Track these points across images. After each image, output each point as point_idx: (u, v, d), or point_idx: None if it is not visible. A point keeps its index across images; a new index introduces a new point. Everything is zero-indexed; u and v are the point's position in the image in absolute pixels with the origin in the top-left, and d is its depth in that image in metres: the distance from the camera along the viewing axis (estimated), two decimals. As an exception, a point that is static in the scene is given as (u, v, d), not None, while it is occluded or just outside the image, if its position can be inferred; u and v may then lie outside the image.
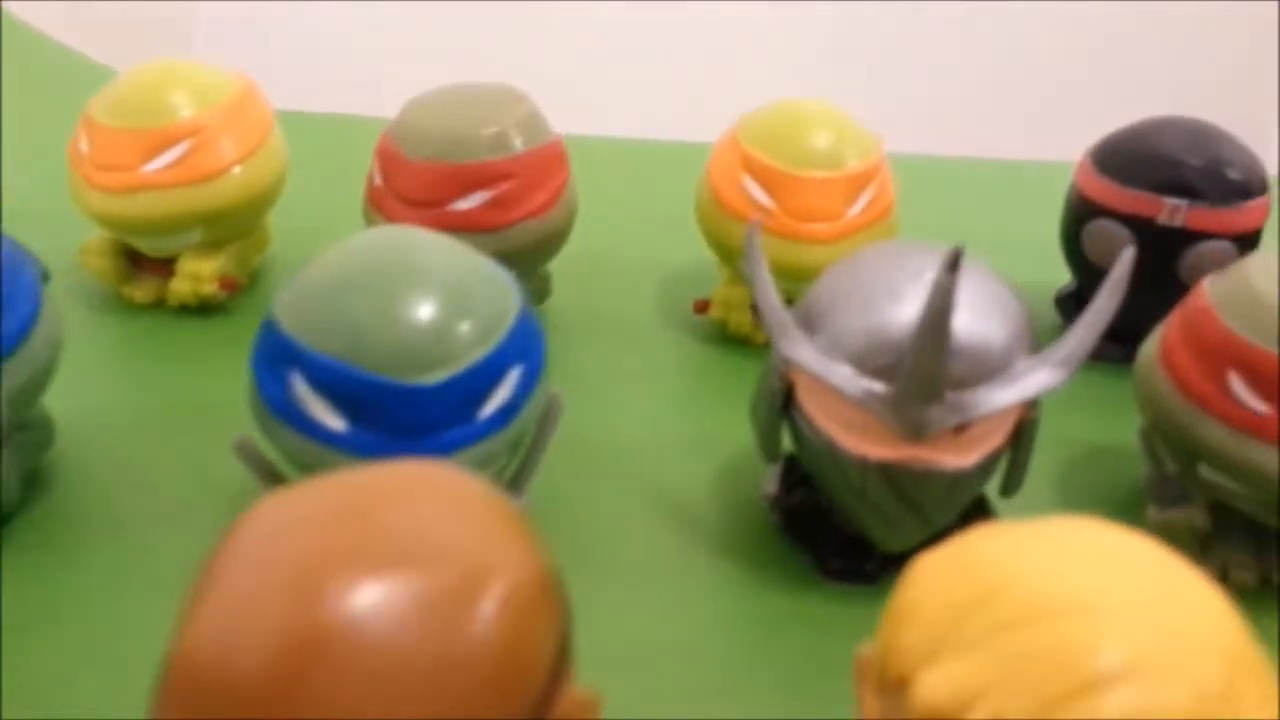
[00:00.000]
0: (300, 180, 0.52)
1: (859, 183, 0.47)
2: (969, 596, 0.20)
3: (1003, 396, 0.31)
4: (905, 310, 0.31)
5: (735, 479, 0.41)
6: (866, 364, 0.31)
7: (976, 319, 0.31)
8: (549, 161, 0.46)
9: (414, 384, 0.29)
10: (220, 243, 0.49)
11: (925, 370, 0.30)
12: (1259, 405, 0.33)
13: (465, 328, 0.30)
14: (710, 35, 1.05)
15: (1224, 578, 0.37)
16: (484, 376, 0.31)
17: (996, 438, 0.33)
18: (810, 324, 0.33)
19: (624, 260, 0.56)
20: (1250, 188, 0.46)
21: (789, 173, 0.46)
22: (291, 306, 0.30)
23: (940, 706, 0.20)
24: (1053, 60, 1.07)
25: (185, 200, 0.47)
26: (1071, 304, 0.52)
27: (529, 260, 0.47)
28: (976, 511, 0.36)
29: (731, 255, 0.48)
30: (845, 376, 0.32)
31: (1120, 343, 0.43)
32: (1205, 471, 0.36)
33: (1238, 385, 0.34)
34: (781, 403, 0.35)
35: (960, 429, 0.32)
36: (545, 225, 0.46)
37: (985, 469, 0.33)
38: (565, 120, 0.66)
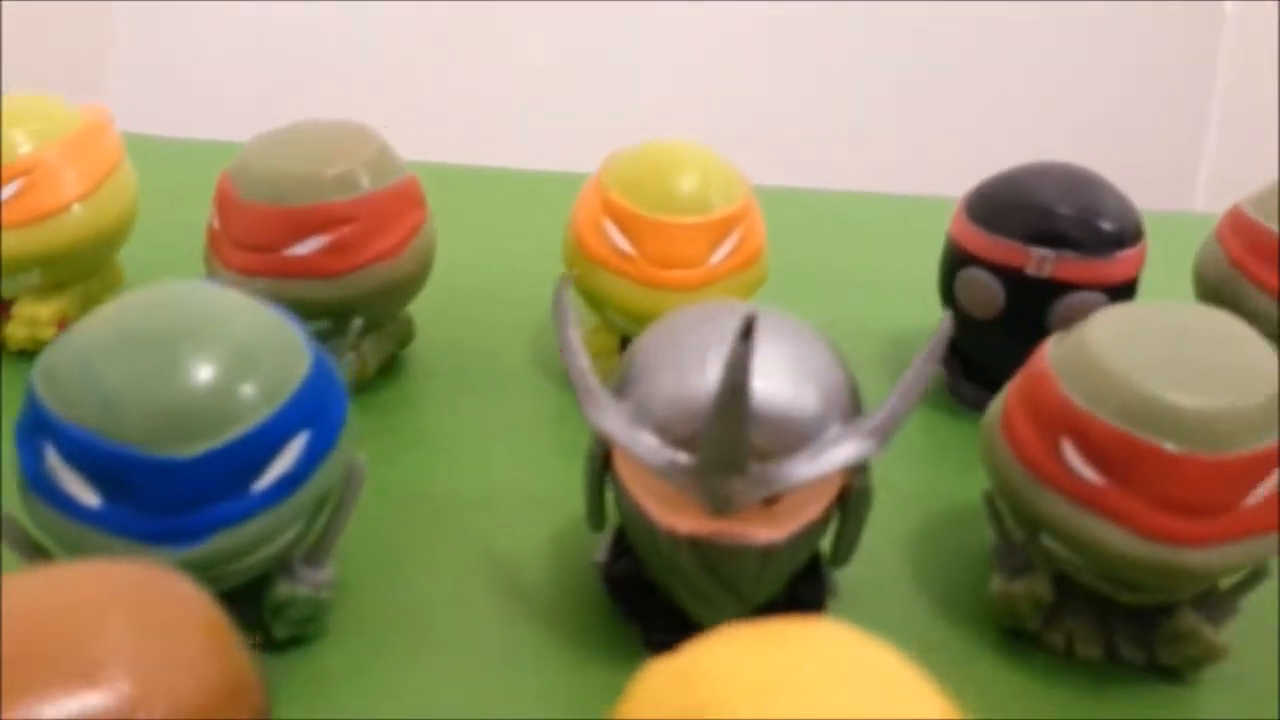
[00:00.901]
0: (184, 213, 0.50)
1: (723, 228, 0.45)
2: (679, 713, 0.18)
3: (809, 469, 0.29)
4: (709, 378, 0.29)
5: (574, 543, 0.39)
6: (670, 433, 0.30)
7: (784, 387, 0.30)
8: (399, 202, 0.44)
9: (169, 457, 0.27)
10: (62, 284, 0.47)
11: (725, 442, 0.28)
12: (1092, 476, 0.32)
13: (235, 394, 0.28)
14: (595, 65, 1.04)
15: (1069, 651, 0.35)
16: (258, 446, 0.29)
17: (813, 509, 0.31)
18: (623, 389, 0.31)
19: (498, 300, 0.54)
20: (1123, 237, 0.45)
21: (649, 217, 0.45)
22: (46, 371, 0.28)
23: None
24: (950, 92, 1.07)
25: (20, 241, 0.45)
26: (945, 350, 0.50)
27: (380, 306, 0.45)
28: (808, 581, 0.34)
29: (599, 301, 0.47)
30: (649, 446, 0.30)
31: (996, 393, 0.41)
32: (1047, 541, 0.34)
33: (1070, 454, 0.32)
34: (601, 468, 0.33)
35: (771, 501, 0.30)
36: (393, 270, 0.44)
37: (803, 541, 0.31)
38: (445, 150, 0.65)
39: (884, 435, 0.30)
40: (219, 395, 0.28)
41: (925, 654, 0.35)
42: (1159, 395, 0.31)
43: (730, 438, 0.28)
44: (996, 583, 0.35)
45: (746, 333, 0.27)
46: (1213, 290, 0.48)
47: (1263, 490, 0.31)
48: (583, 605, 0.36)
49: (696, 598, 0.32)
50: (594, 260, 0.45)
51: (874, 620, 0.37)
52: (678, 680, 0.19)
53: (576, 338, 0.32)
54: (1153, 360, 0.32)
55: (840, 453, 0.30)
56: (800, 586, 0.34)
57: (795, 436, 0.29)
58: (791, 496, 0.30)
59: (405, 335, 0.48)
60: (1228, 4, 1.07)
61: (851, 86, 1.05)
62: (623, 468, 0.32)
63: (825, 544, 0.34)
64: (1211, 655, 0.34)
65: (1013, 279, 0.45)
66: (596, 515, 0.34)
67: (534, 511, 0.40)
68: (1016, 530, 0.35)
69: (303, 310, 0.42)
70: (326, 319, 0.44)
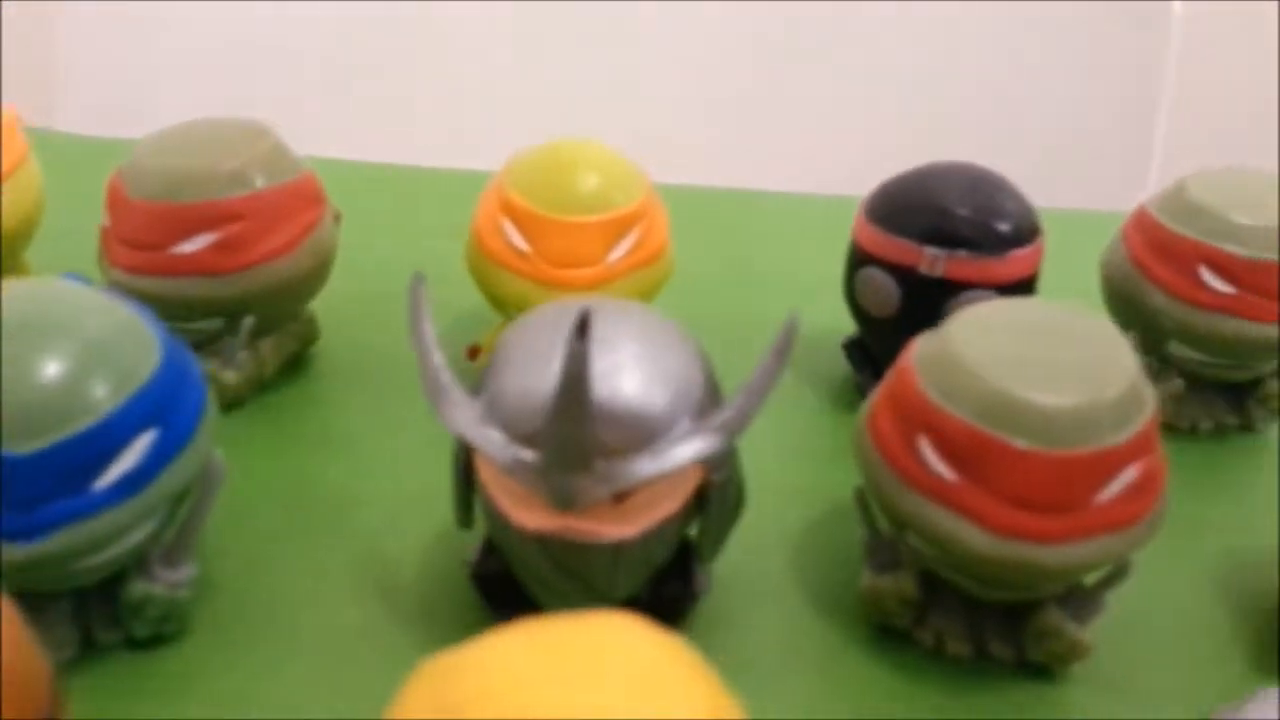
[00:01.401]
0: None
1: (621, 226, 0.45)
2: (440, 711, 0.18)
3: (654, 466, 0.29)
4: (552, 375, 0.29)
5: (455, 543, 0.39)
6: (516, 430, 0.30)
7: (632, 385, 0.30)
8: (293, 200, 0.44)
9: (7, 453, 0.27)
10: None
11: (567, 438, 0.28)
12: (947, 473, 0.32)
13: (74, 391, 0.28)
14: (508, 64, 1.03)
15: (939, 648, 0.35)
16: (98, 443, 0.28)
17: (667, 506, 0.31)
18: (480, 386, 0.31)
19: (403, 300, 0.54)
20: (1017, 237, 0.45)
21: (545, 216, 0.44)
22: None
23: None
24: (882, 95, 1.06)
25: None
26: (856, 351, 0.50)
27: (273, 305, 0.45)
28: (676, 578, 0.34)
29: (499, 301, 0.47)
30: (496, 443, 0.30)
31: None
32: (912, 538, 0.34)
33: (927, 451, 0.32)
34: (465, 467, 0.33)
35: (620, 498, 0.30)
36: (286, 269, 0.43)
37: (658, 538, 0.31)
38: (358, 148, 0.64)
39: (730, 432, 0.30)
40: (57, 392, 0.28)
41: (797, 649, 0.36)
42: (1009, 392, 0.31)
43: (571, 434, 0.28)
44: (866, 578, 0.35)
45: (582, 330, 0.27)
46: (1117, 288, 0.48)
47: (1115, 487, 0.31)
48: (455, 605, 0.36)
49: (553, 595, 0.32)
50: (492, 259, 0.45)
51: (747, 615, 0.37)
52: (444, 677, 0.19)
53: (431, 335, 0.32)
54: (1006, 357, 0.32)
55: (686, 449, 0.30)
56: (666, 583, 0.34)
57: (640, 433, 0.29)
58: (642, 493, 0.30)
59: (308, 335, 0.48)
60: (1176, 4, 1.07)
61: (793, 84, 1.05)
62: (481, 466, 0.32)
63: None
64: (1076, 652, 0.34)
65: (907, 278, 0.45)
66: (463, 513, 0.34)
67: (420, 511, 0.40)
68: (885, 526, 0.35)
69: (192, 309, 0.43)
70: (218, 318, 0.44)
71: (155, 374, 0.30)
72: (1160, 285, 0.46)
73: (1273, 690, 0.21)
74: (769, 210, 0.67)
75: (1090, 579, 0.34)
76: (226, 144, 0.43)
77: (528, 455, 0.29)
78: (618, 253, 0.45)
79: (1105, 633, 0.36)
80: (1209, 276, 0.45)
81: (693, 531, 0.34)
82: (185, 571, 0.33)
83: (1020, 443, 0.31)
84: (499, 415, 0.30)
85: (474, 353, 0.48)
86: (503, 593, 0.34)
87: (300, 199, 0.44)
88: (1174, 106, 1.12)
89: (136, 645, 0.33)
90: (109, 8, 1.00)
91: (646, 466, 0.29)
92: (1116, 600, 0.37)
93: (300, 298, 0.46)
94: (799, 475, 0.44)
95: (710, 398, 0.32)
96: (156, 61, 0.98)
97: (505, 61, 1.02)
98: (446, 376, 0.31)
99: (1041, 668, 0.35)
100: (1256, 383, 0.48)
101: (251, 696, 0.33)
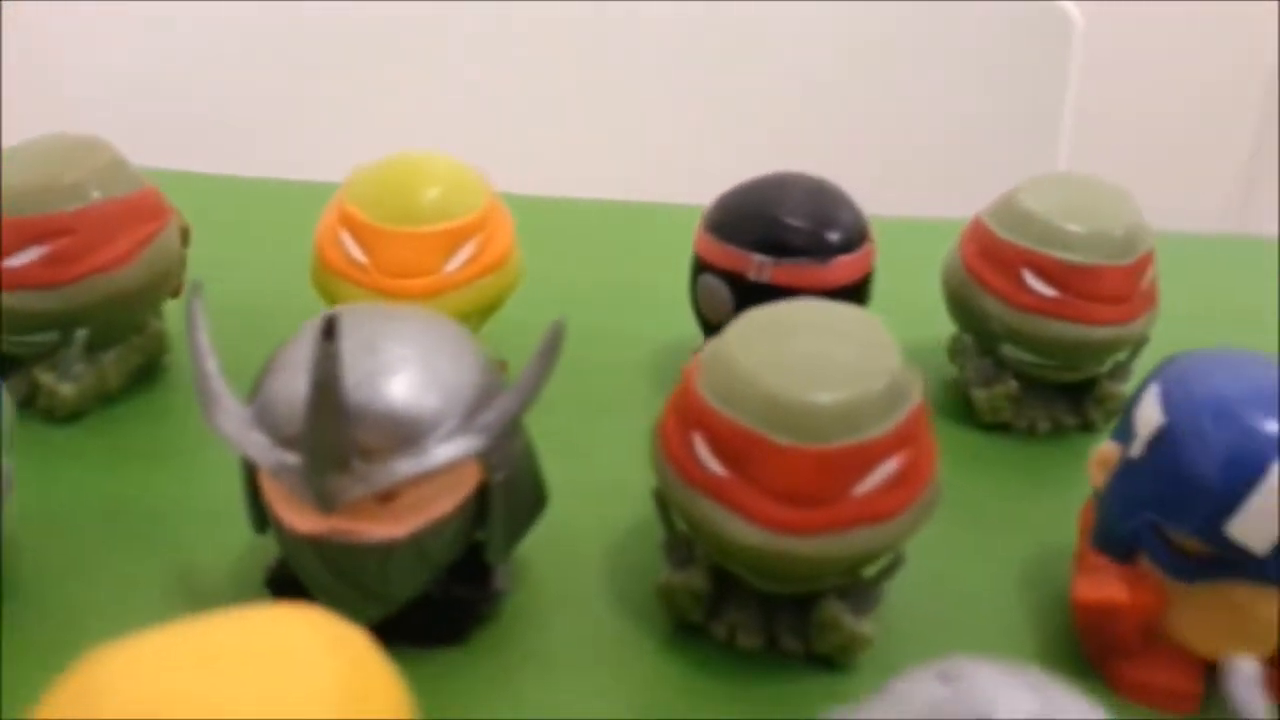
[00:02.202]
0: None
1: (457, 236, 0.46)
2: (78, 697, 0.19)
3: (412, 466, 0.30)
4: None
5: (264, 553, 0.39)
6: (279, 434, 0.30)
7: (395, 387, 0.30)
8: (129, 213, 0.45)
9: None
10: None
11: (323, 439, 0.29)
12: (717, 469, 0.33)
13: None
14: (356, 77, 1.03)
15: (731, 641, 0.36)
16: None
17: (439, 506, 0.32)
18: (253, 392, 0.32)
19: (255, 312, 0.54)
20: (846, 244, 0.46)
21: (378, 227, 0.45)
22: None
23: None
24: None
25: None
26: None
27: (108, 318, 0.45)
28: (467, 579, 0.35)
29: (344, 311, 0.47)
30: (262, 447, 0.31)
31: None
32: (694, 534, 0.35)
33: (701, 447, 0.33)
34: (250, 474, 0.34)
35: (387, 499, 0.31)
36: (118, 282, 0.44)
37: (434, 538, 0.32)
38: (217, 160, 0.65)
39: (490, 433, 0.31)
40: None
41: (598, 645, 0.37)
42: (771, 390, 0.32)
43: (326, 435, 0.29)
44: (663, 575, 0.36)
45: (328, 332, 0.28)
46: (954, 293, 0.49)
47: (874, 480, 0.32)
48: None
49: (331, 598, 0.32)
50: (331, 270, 0.46)
51: (552, 614, 0.38)
52: (89, 668, 0.20)
53: (205, 342, 0.33)
54: (770, 356, 0.33)
55: (446, 450, 0.30)
56: (460, 583, 0.35)
57: (401, 434, 0.30)
58: (410, 494, 0.31)
59: (155, 348, 0.49)
60: (1072, 6, 1.09)
61: (680, 93, 1.05)
62: (262, 473, 0.32)
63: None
64: (857, 644, 0.35)
65: (738, 285, 0.46)
66: (256, 519, 0.35)
67: (239, 521, 0.41)
68: (680, 524, 0.36)
69: (25, 322, 0.43)
70: (51, 330, 0.44)
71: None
72: (990, 290, 0.47)
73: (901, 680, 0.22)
74: (632, 220, 0.68)
75: (869, 571, 0.35)
76: (62, 159, 0.44)
77: (290, 458, 0.30)
78: (455, 262, 0.46)
79: (901, 626, 0.37)
80: (1032, 280, 0.46)
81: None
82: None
83: (782, 439, 0.32)
84: (265, 420, 0.31)
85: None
86: (295, 598, 0.35)
87: (137, 212, 0.45)
88: (1078, 116, 1.14)
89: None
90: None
91: (406, 466, 0.30)
92: (916, 594, 0.38)
93: (136, 310, 0.46)
94: (627, 473, 0.44)
95: (480, 399, 0.32)
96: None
97: (369, 74, 1.02)
98: (218, 384, 0.32)
99: (827, 659, 0.36)
100: (1094, 383, 0.50)
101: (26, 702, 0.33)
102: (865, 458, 0.32)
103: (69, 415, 0.45)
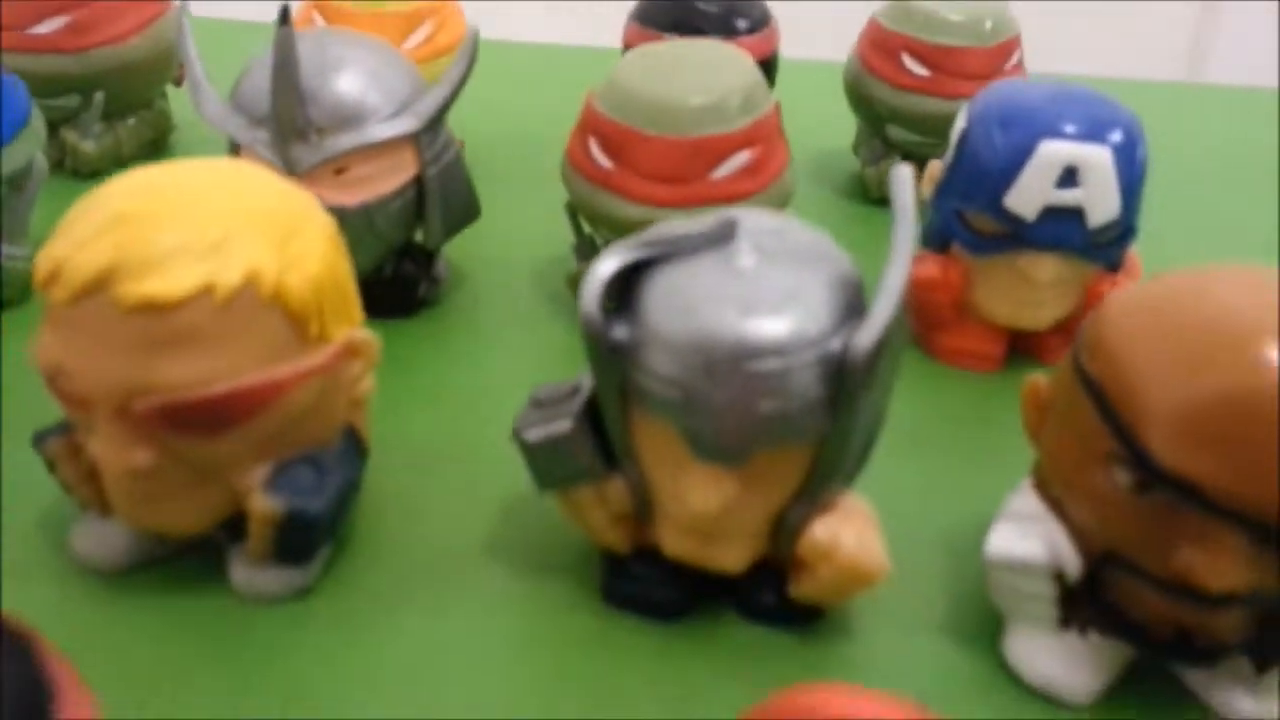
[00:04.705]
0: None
1: (414, 20, 0.53)
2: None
3: (355, 139, 0.38)
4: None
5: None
6: (253, 115, 0.39)
7: (342, 80, 0.39)
8: (136, -3, 0.53)
9: None
10: None
11: (285, 113, 0.37)
12: (606, 162, 0.41)
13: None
14: None
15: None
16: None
17: (384, 183, 0.40)
18: (234, 87, 0.40)
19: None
20: (752, 27, 0.54)
21: (342, 7, 0.53)
22: None
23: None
24: None
25: None
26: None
27: (119, 86, 0.53)
28: (414, 260, 0.43)
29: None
30: (240, 126, 0.39)
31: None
32: (599, 231, 0.44)
33: (595, 149, 0.41)
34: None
35: (340, 172, 0.39)
36: (126, 53, 0.52)
37: (380, 213, 0.40)
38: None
39: (422, 118, 0.39)
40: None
41: (518, 322, 0.45)
42: (645, 93, 0.40)
43: (287, 108, 0.37)
44: (572, 268, 0.45)
45: (283, 19, 0.36)
46: (850, 84, 0.57)
47: (729, 167, 0.40)
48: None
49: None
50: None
51: (481, 307, 0.46)
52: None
53: (194, 50, 0.40)
54: (649, 72, 0.41)
55: (384, 129, 0.39)
56: (405, 263, 0.43)
57: (345, 115, 0.38)
58: (358, 169, 0.39)
59: (163, 125, 0.57)
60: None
61: None
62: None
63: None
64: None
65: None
66: None
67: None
68: (586, 226, 0.45)
69: (52, 84, 0.52)
70: (74, 94, 0.52)
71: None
72: (876, 74, 0.55)
73: None
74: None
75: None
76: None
77: (262, 134, 0.38)
78: (412, 41, 0.53)
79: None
80: (910, 62, 0.54)
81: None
82: (20, 250, 0.42)
83: (653, 131, 0.40)
84: (242, 106, 0.39)
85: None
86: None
87: (143, -4, 0.53)
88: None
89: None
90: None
91: (351, 139, 0.38)
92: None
93: (142, 82, 0.54)
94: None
95: (417, 97, 0.40)
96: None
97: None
98: (205, 83, 0.40)
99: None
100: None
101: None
102: (721, 148, 0.40)
103: (90, 172, 0.54)
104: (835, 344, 0.26)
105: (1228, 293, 0.26)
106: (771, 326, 0.26)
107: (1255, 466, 0.24)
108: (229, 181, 0.28)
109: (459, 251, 0.48)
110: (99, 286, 0.26)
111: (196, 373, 0.26)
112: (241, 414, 0.27)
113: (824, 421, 0.27)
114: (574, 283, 0.44)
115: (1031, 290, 0.41)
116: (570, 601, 0.31)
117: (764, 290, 0.27)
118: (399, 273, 0.43)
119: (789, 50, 0.59)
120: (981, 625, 0.31)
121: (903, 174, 0.28)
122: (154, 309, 0.25)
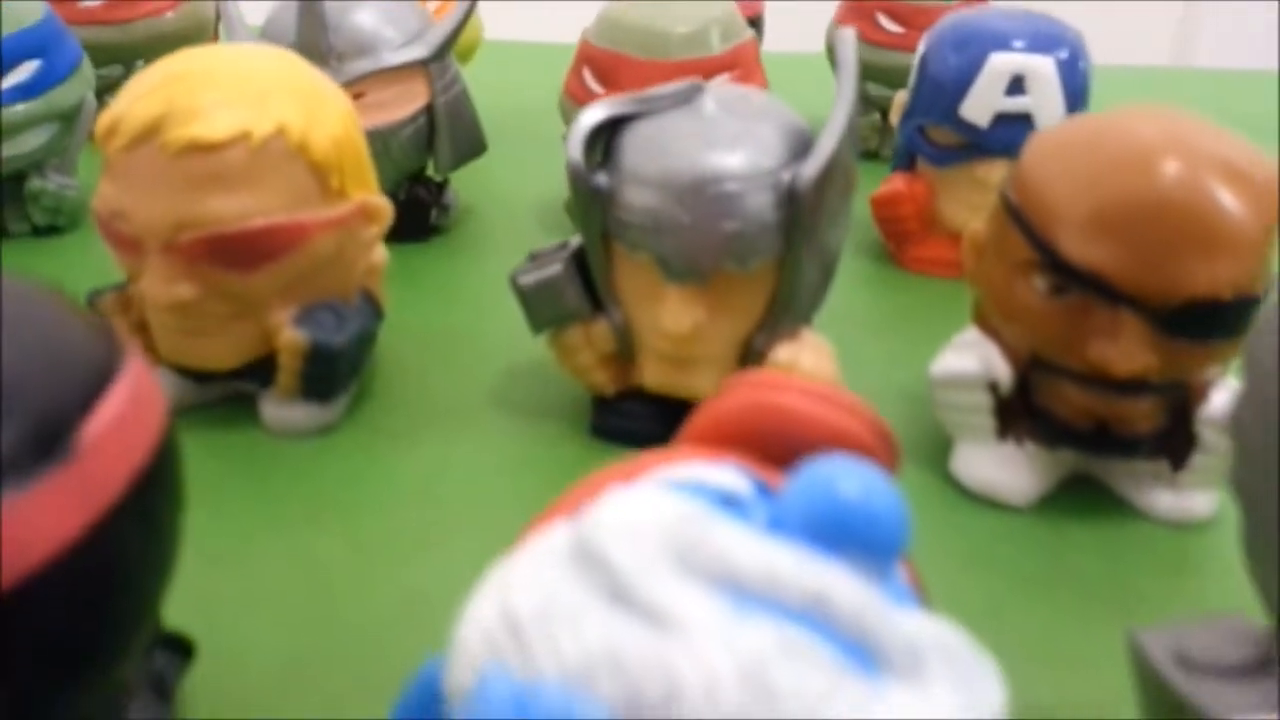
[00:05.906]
0: None
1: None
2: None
3: (370, 64, 0.43)
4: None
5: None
6: (283, 43, 0.43)
7: (360, 15, 0.43)
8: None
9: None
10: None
11: (308, 40, 0.42)
12: (596, 88, 0.45)
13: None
14: None
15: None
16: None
17: (397, 109, 0.44)
18: (265, 24, 0.45)
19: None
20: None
21: None
22: None
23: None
24: None
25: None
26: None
27: (163, 54, 0.58)
28: (425, 186, 0.48)
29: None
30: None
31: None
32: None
33: (589, 78, 0.46)
34: None
35: (358, 96, 0.43)
36: (163, 25, 0.57)
37: (394, 139, 0.45)
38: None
39: (432, 46, 0.44)
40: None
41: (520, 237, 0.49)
42: (633, 21, 0.45)
43: (310, 36, 0.42)
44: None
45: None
46: (830, 45, 0.61)
47: (709, 88, 0.44)
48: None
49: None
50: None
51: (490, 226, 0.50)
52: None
53: (231, -4, 0.45)
54: (637, 5, 0.45)
55: (396, 55, 0.43)
56: (417, 188, 0.47)
57: (361, 43, 0.43)
58: (374, 95, 0.44)
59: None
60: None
61: None
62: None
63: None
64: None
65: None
66: None
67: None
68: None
69: (96, 54, 0.57)
70: (116, 64, 0.57)
71: (37, 24, 0.44)
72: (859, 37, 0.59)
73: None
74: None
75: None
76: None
77: (289, 60, 0.43)
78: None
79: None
80: (884, 20, 0.58)
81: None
82: (70, 180, 0.47)
83: (643, 56, 0.44)
84: (271, 35, 0.44)
85: None
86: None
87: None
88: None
89: (39, 233, 0.46)
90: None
91: (366, 64, 0.43)
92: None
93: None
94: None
95: (426, 30, 0.45)
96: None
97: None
98: (238, 21, 0.45)
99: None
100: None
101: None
102: (704, 70, 0.44)
103: (132, 136, 0.58)
104: (785, 175, 0.30)
105: (1132, 121, 0.30)
106: (730, 159, 0.30)
107: (1151, 255, 0.28)
108: (268, 58, 0.33)
109: (468, 188, 0.52)
110: (151, 133, 0.30)
111: (234, 209, 0.30)
112: (274, 250, 0.31)
113: (779, 244, 0.30)
114: (571, 209, 0.49)
115: (988, 195, 0.45)
116: (561, 435, 0.35)
117: (722, 132, 0.31)
118: (412, 197, 0.48)
119: (780, 46, 0.63)
120: (936, 452, 0.34)
121: (846, 34, 0.32)
122: (198, 150, 0.29)
